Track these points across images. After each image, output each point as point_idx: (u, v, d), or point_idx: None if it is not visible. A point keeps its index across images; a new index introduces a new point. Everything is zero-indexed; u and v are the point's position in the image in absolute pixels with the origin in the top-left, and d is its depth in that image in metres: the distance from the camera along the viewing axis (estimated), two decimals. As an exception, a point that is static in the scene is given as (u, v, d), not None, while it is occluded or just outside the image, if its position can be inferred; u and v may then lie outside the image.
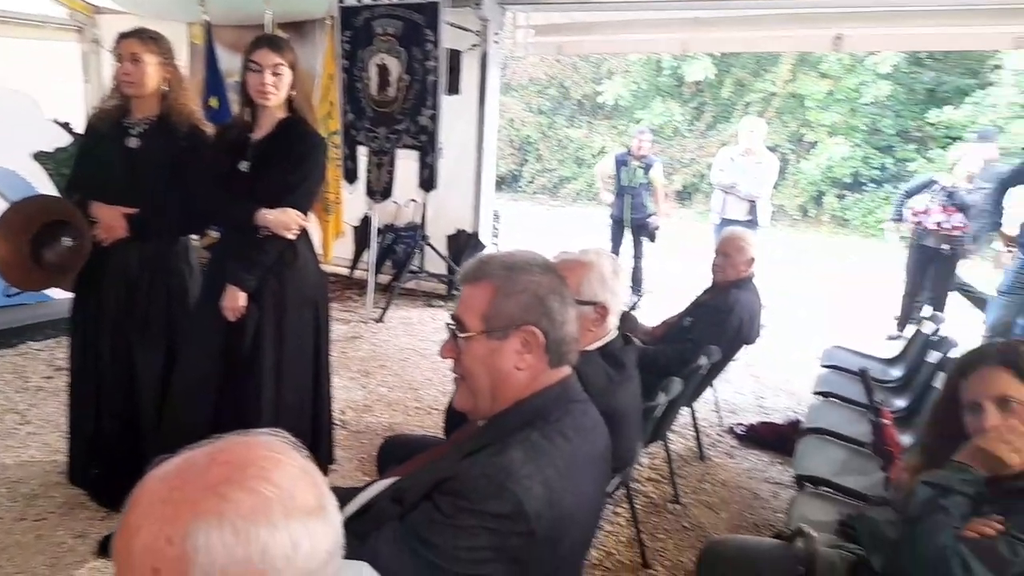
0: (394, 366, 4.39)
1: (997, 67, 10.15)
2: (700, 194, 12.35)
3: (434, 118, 4.77)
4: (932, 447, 1.57)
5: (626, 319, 3.57)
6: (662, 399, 2.32)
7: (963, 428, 1.50)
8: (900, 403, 3.18)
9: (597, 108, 13.80)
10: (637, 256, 6.24)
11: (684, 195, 12.85)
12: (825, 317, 6.24)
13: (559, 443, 1.20)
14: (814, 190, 11.79)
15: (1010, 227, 4.44)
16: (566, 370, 1.30)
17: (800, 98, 11.70)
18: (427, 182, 4.92)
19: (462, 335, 1.26)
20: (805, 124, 11.86)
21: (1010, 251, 4.36)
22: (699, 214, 11.60)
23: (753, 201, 5.77)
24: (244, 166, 2.40)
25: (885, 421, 2.20)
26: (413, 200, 5.56)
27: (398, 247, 5.63)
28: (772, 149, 10.14)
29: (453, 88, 4.97)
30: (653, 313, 4.48)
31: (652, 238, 6.21)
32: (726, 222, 5.52)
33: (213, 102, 4.79)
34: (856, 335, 5.29)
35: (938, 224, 5.20)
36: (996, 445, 1.39)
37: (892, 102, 11.26)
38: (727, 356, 3.21)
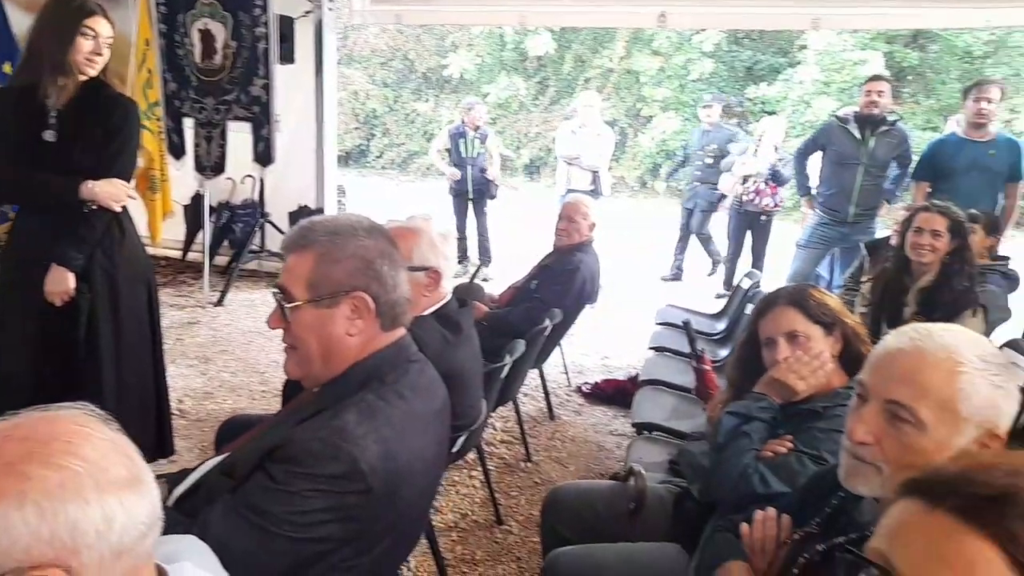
0: (237, 350, 4.20)
1: (803, 47, 11.19)
2: (548, 168, 12.68)
3: (267, 88, 4.54)
4: (738, 381, 1.75)
5: (472, 288, 3.64)
6: (507, 360, 2.40)
7: (763, 363, 1.69)
8: (723, 352, 3.48)
9: (443, 82, 13.72)
10: (482, 227, 6.32)
11: (532, 169, 13.15)
12: (658, 281, 6.69)
13: (395, 402, 1.22)
14: (650, 162, 12.47)
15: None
16: (400, 332, 1.31)
17: (635, 75, 12.28)
18: (263, 156, 4.69)
19: (289, 305, 1.23)
20: (641, 99, 12.48)
21: (812, 210, 4.89)
22: (547, 187, 11.91)
23: (595, 172, 6.03)
24: (49, 135, 2.19)
25: (705, 367, 2.41)
26: (250, 176, 5.28)
27: (236, 226, 5.33)
28: (612, 123, 10.59)
29: (287, 57, 4.75)
30: (502, 282, 4.59)
31: (493, 196, 6.31)
32: (571, 193, 5.74)
33: (7, 67, 4.27)
34: (690, 295, 5.73)
35: (769, 204, 5.72)
36: (785, 375, 1.58)
37: (716, 79, 12.10)
38: (572, 315, 3.36)
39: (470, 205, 6.25)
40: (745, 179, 5.75)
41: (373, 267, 1.24)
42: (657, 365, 3.26)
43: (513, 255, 6.72)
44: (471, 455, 2.87)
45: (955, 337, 1.04)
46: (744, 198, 5.77)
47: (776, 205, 5.76)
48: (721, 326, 3.96)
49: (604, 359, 4.61)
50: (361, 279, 1.23)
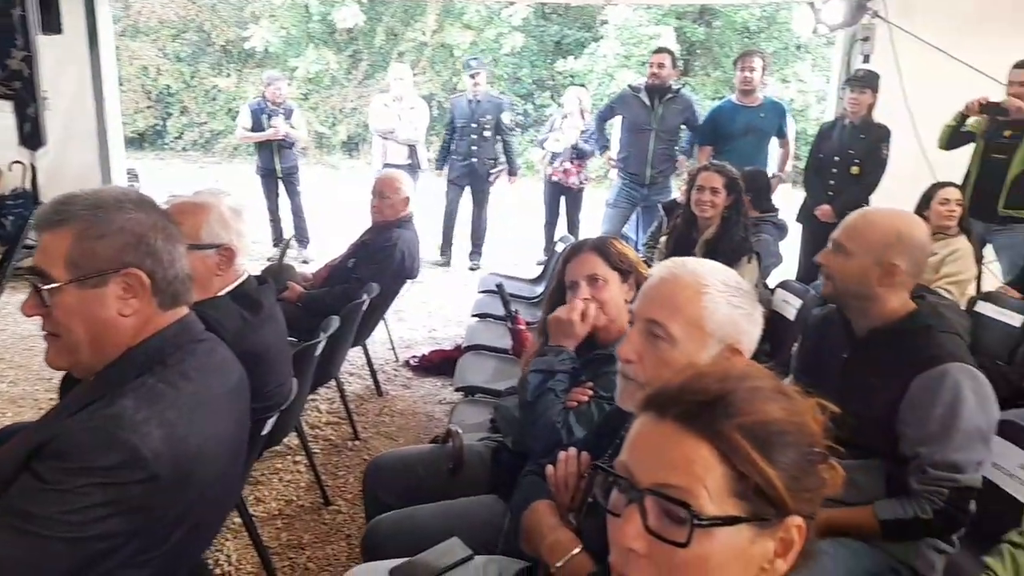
0: (16, 357, 3.73)
1: (604, 22, 11.78)
2: (367, 144, 12.39)
3: (29, 61, 4.00)
4: (547, 330, 1.84)
5: (283, 269, 3.50)
6: (321, 337, 2.34)
7: (570, 307, 1.79)
8: (541, 314, 3.64)
9: (246, 55, 12.89)
10: (296, 206, 6.05)
11: (351, 145, 12.79)
12: (491, 250, 6.77)
13: (180, 384, 1.15)
14: (470, 136, 12.61)
15: (613, 151, 5.32)
16: (182, 310, 1.23)
17: (449, 48, 12.29)
18: (31, 138, 4.14)
19: (46, 287, 1.11)
20: (456, 73, 12.52)
21: (615, 168, 5.20)
22: (367, 164, 11.66)
23: (412, 146, 5.98)
24: None
25: (520, 327, 2.50)
26: (17, 162, 4.66)
27: (6, 219, 4.70)
28: (429, 98, 10.52)
29: (51, 27, 4.21)
30: (321, 262, 4.45)
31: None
32: (388, 167, 5.65)
33: None
34: (513, 264, 5.90)
35: (575, 183, 5.95)
36: (560, 315, 1.70)
37: (527, 52, 12.43)
38: (391, 291, 3.34)
39: (280, 184, 5.95)
40: (553, 157, 5.96)
41: (146, 241, 1.15)
42: (479, 331, 3.34)
43: (334, 234, 6.55)
44: (294, 440, 2.80)
45: (703, 266, 1.20)
46: (553, 178, 5.98)
47: (584, 181, 6.02)
48: (539, 289, 4.12)
49: (432, 331, 4.64)
50: (133, 255, 1.14)
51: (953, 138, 4.14)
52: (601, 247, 1.84)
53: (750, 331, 1.17)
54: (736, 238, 3.03)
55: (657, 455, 0.70)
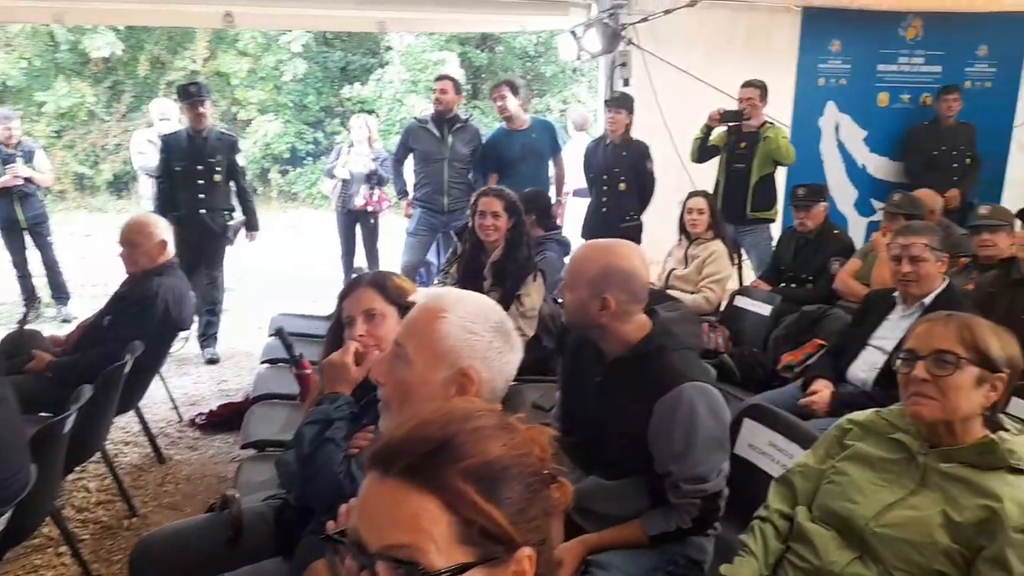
0: None
1: (389, 48, 11.81)
2: (137, 183, 11.32)
3: None
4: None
5: (24, 336, 3.06)
6: (71, 410, 2.06)
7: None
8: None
9: (-20, 90, 11.27)
10: (48, 259, 5.31)
11: (119, 185, 11.64)
12: (285, 289, 6.46)
13: None
14: (258, 167, 11.99)
15: (410, 186, 5.25)
16: None
17: (225, 76, 11.63)
18: None
19: None
20: (235, 103, 11.88)
21: (411, 211, 5.15)
22: (138, 205, 10.65)
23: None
24: None
25: (305, 371, 2.37)
26: None
27: None
28: (227, 133, 9.86)
29: None
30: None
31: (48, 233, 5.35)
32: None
33: None
34: (312, 300, 5.64)
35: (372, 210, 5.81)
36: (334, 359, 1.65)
37: (311, 79, 12.11)
38: (161, 346, 3.04)
39: (27, 236, 5.21)
40: (345, 183, 5.82)
41: None
42: (269, 379, 3.14)
43: (104, 284, 5.87)
44: (52, 531, 2.44)
45: (451, 295, 1.24)
46: (347, 205, 5.82)
47: (379, 209, 5.91)
48: (334, 326, 3.97)
49: (221, 383, 4.30)
50: None
51: (701, 151, 4.63)
52: (378, 281, 1.81)
53: (489, 358, 1.19)
54: (521, 258, 3.12)
55: (383, 516, 0.68)
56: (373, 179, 5.72)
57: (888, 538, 1.41)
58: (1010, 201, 5.60)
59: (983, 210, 3.37)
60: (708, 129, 4.55)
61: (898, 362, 1.51)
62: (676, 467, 1.62)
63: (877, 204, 5.24)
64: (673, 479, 1.63)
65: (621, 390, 1.69)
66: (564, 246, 4.09)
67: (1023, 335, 2.59)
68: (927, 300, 2.55)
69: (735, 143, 4.58)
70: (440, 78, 5.11)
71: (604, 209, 4.71)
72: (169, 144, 4.63)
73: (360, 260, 6.02)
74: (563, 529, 1.78)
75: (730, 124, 4.51)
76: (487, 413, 0.75)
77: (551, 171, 5.20)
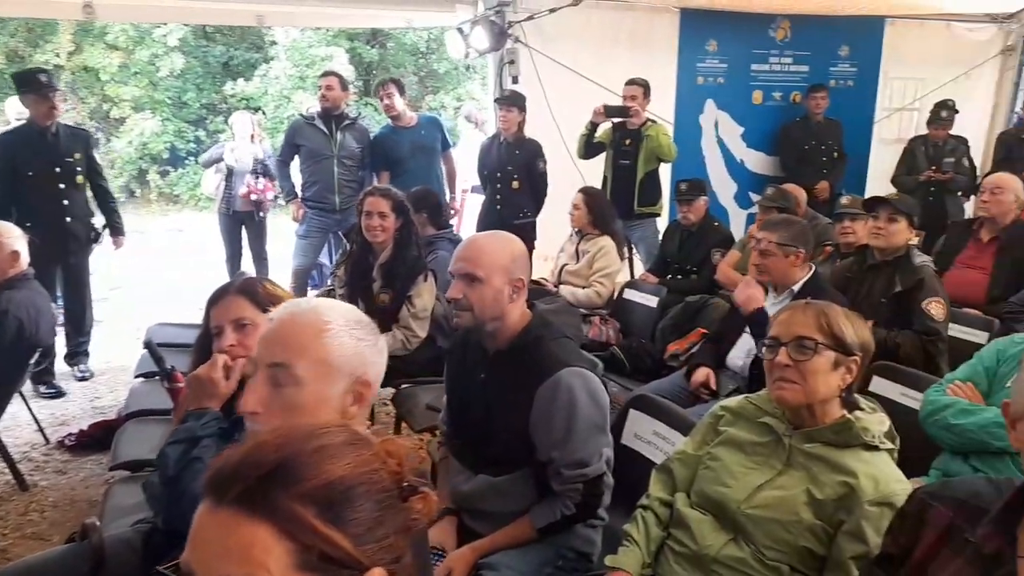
0: None
1: (274, 43, 11.37)
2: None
3: None
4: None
5: None
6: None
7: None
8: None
9: None
10: None
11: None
12: (168, 297, 6.09)
13: None
14: (134, 168, 11.30)
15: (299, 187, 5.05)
16: None
17: (93, 71, 10.86)
18: None
19: None
20: (107, 99, 11.12)
21: (300, 212, 4.96)
22: None
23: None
24: None
25: (178, 384, 2.24)
26: None
27: None
28: (78, 127, 9.19)
29: None
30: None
31: None
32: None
33: None
34: (198, 308, 5.32)
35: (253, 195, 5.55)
36: (200, 374, 1.55)
37: (191, 75, 11.49)
38: (16, 366, 2.79)
39: None
40: (228, 181, 5.55)
41: None
42: (142, 394, 2.94)
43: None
44: None
45: (322, 304, 1.18)
46: (232, 205, 5.55)
47: (265, 199, 5.66)
48: (218, 334, 3.78)
49: (94, 400, 4.01)
50: None
51: (587, 147, 4.73)
52: (248, 288, 1.73)
53: (376, 362, 1.17)
54: (410, 259, 3.07)
55: (215, 548, 0.63)
56: (259, 168, 5.48)
57: (758, 519, 1.48)
58: (873, 192, 6.06)
59: (844, 200, 3.62)
60: (593, 126, 4.65)
61: (763, 349, 1.58)
62: (557, 453, 1.65)
63: (755, 197, 5.52)
64: (555, 466, 1.66)
65: (503, 383, 1.71)
66: (457, 244, 4.06)
67: (879, 317, 2.83)
68: (795, 288, 2.69)
69: (620, 140, 4.70)
70: (325, 74, 4.98)
71: (499, 207, 4.73)
72: (10, 143, 3.92)
73: (248, 264, 5.77)
74: (456, 536, 1.78)
75: (615, 120, 4.62)
76: (334, 430, 0.72)
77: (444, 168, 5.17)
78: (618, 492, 1.81)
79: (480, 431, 1.78)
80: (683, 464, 1.70)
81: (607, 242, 4.00)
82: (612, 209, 4.22)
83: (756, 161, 5.88)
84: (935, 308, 2.69)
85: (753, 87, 5.78)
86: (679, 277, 4.16)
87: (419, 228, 3.68)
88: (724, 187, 5.80)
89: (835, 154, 5.57)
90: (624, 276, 4.52)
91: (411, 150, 4.80)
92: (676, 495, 1.67)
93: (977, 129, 6.19)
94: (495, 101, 4.83)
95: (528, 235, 4.69)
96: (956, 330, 2.93)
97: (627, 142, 4.66)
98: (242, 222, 5.67)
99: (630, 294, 3.87)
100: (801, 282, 2.70)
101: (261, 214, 5.69)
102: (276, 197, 5.81)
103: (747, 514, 1.49)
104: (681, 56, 5.49)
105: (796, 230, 2.75)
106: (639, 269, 4.91)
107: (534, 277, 4.05)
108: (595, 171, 4.86)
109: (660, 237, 4.63)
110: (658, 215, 4.87)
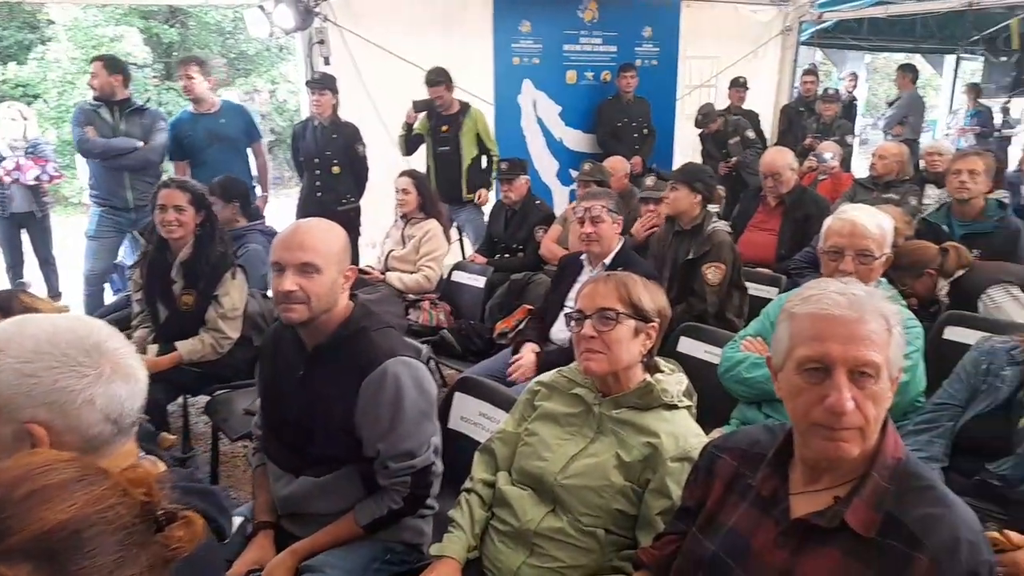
0: None
1: (51, 22, 10.12)
2: None
3: None
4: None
5: None
6: None
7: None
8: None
9: None
10: None
11: None
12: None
13: None
14: None
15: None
16: None
17: None
18: None
19: None
20: None
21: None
22: None
23: None
24: None
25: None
26: None
27: None
28: None
29: None
30: None
31: None
32: None
33: None
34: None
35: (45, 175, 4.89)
36: None
37: (-52, 58, 9.97)
38: None
39: None
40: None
41: None
42: None
43: None
44: None
45: (4, 329, 0.97)
46: (7, 207, 4.87)
47: (42, 182, 4.97)
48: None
49: None
50: None
51: (408, 144, 4.70)
52: (3, 305, 1.52)
53: (63, 400, 0.93)
54: (214, 255, 2.84)
55: None
56: (29, 150, 4.84)
57: (573, 487, 1.52)
58: (680, 163, 6.51)
59: (648, 182, 3.82)
60: (409, 126, 4.61)
61: (571, 323, 1.61)
62: (384, 445, 1.60)
63: (575, 173, 5.72)
64: (382, 459, 1.61)
65: (325, 378, 1.64)
66: (269, 235, 3.84)
67: (688, 278, 3.03)
68: (607, 260, 2.81)
69: (437, 127, 4.65)
70: (94, 59, 4.41)
71: (319, 193, 4.52)
72: None
73: (33, 272, 5.11)
74: (274, 551, 1.67)
75: (427, 111, 4.59)
76: (58, 467, 0.62)
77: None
78: (448, 477, 1.78)
79: (300, 431, 1.68)
80: (503, 443, 1.70)
81: (433, 225, 3.95)
82: (435, 193, 4.19)
83: (574, 139, 6.09)
84: (711, 273, 2.92)
85: (567, 67, 5.97)
86: (506, 256, 4.22)
87: (230, 220, 3.45)
88: (546, 165, 5.96)
89: (645, 131, 5.90)
90: (454, 259, 4.52)
91: (208, 139, 4.42)
92: (498, 474, 1.68)
93: (766, 103, 6.84)
94: (306, 84, 4.60)
95: (353, 222, 4.54)
96: (752, 288, 3.20)
97: (444, 128, 4.62)
98: (21, 224, 5.01)
99: (458, 276, 3.87)
100: (612, 254, 2.82)
101: (42, 212, 5.05)
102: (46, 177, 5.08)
103: (563, 484, 1.53)
104: (496, 36, 5.53)
105: (616, 199, 2.88)
106: (469, 251, 4.93)
107: (361, 265, 3.93)
108: (418, 154, 4.79)
109: (487, 218, 4.67)
110: (487, 201, 4.90)
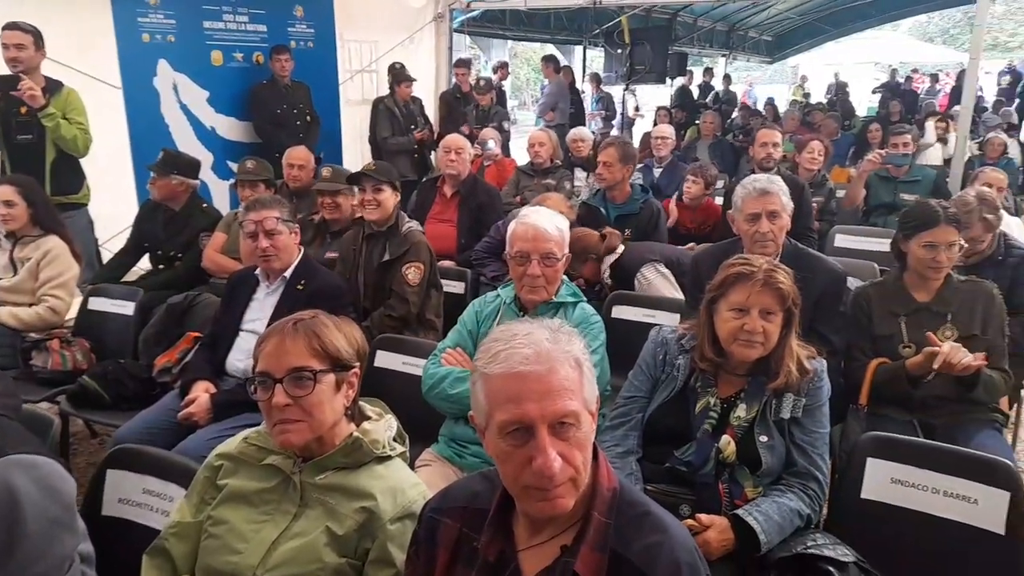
0: None
1: None
2: None
3: None
4: None
5: None
6: None
7: None
8: None
9: None
10: None
11: None
12: None
13: None
14: None
15: None
16: None
17: None
18: None
19: None
20: None
21: None
22: None
23: None
24: None
25: None
26: None
27: None
28: None
29: None
30: None
31: None
32: None
33: None
34: None
35: None
36: None
37: None
38: None
39: None
40: None
41: None
42: None
43: None
44: None
45: None
46: None
47: None
48: None
49: None
50: None
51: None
52: None
53: None
54: None
55: None
56: None
57: (280, 582, 1.26)
58: (350, 152, 6.28)
59: (325, 172, 3.54)
60: None
61: (254, 388, 1.33)
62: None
63: (233, 166, 5.14)
64: None
65: None
66: None
67: (385, 280, 2.85)
68: (287, 274, 2.51)
69: (14, 109, 3.68)
70: None
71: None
72: None
73: None
74: None
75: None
76: None
77: None
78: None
79: None
80: (180, 538, 1.36)
81: (55, 243, 3.16)
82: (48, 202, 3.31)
83: (229, 127, 5.47)
84: (412, 273, 2.81)
85: (211, 47, 5.29)
86: (161, 267, 3.60)
87: None
88: (199, 158, 5.24)
89: (308, 117, 5.54)
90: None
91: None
92: (179, 580, 1.34)
93: (427, 89, 6.92)
94: None
95: None
96: (446, 285, 3.15)
97: (23, 110, 3.67)
98: None
99: (97, 303, 3.17)
100: (292, 267, 2.52)
101: None
102: None
103: (266, 581, 1.26)
104: (116, 7, 4.64)
105: (286, 205, 2.58)
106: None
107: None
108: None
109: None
110: (85, 204, 4.01)
